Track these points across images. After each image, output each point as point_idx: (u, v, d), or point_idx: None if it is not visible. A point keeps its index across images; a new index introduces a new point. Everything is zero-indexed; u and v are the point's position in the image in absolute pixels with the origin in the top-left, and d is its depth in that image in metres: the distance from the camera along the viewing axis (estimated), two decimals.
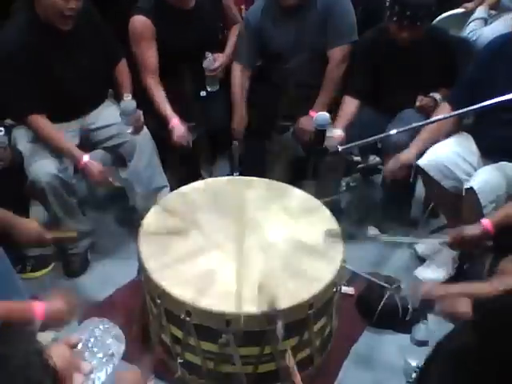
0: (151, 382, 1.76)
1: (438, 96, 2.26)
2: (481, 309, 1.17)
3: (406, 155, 2.12)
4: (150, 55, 2.37)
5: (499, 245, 1.79)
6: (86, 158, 2.09)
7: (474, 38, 2.57)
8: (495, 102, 1.66)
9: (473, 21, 2.69)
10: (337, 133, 2.19)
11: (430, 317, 1.99)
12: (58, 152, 2.09)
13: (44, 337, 1.84)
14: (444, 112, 2.06)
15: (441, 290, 1.59)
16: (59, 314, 1.38)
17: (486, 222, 1.71)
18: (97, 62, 2.20)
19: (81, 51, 2.14)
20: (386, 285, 1.92)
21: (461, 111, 1.81)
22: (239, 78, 2.50)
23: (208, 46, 2.43)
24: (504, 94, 1.66)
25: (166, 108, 2.37)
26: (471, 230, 1.73)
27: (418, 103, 2.27)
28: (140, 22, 2.33)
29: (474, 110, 1.75)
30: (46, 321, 1.35)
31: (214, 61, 2.42)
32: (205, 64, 2.41)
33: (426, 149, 2.11)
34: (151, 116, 2.33)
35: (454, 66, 2.27)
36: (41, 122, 2.06)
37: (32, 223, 1.73)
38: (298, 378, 1.23)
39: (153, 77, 2.39)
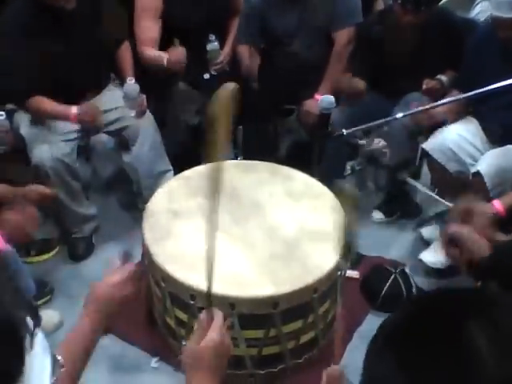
0: (155, 359, 1.79)
1: (444, 78, 2.23)
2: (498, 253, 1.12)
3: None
4: (151, 30, 2.33)
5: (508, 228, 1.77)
6: (74, 109, 2.07)
7: (482, 19, 2.53)
8: (493, 88, 1.66)
9: (480, 2, 2.65)
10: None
11: None
12: (53, 118, 2.08)
13: (49, 319, 1.86)
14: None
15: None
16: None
17: (497, 204, 1.69)
18: (98, 44, 2.17)
19: (81, 33, 2.10)
20: (390, 268, 1.92)
21: (460, 96, 1.81)
22: (247, 57, 2.47)
23: (214, 26, 2.39)
24: (495, 78, 1.66)
25: (160, 53, 2.29)
26: (483, 209, 1.70)
27: (424, 86, 2.24)
28: None
29: (470, 96, 1.74)
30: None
31: (217, 44, 2.39)
32: (209, 47, 2.38)
33: None
34: (154, 99, 2.32)
35: (461, 47, 2.23)
36: (37, 100, 2.05)
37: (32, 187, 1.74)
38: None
39: (150, 48, 2.33)
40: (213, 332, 0.92)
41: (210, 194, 0.83)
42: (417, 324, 0.61)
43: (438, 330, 0.59)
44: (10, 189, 1.67)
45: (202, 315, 0.95)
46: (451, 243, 1.16)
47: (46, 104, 2.07)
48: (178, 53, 2.27)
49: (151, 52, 2.32)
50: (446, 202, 2.10)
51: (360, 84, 2.30)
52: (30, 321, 0.64)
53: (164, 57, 2.28)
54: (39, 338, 0.65)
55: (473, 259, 1.12)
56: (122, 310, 1.08)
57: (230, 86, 0.84)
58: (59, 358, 0.76)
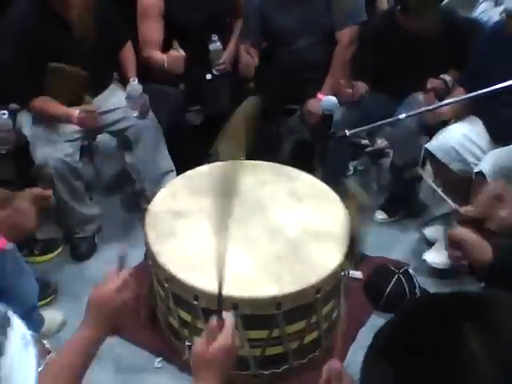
0: (159, 359, 1.78)
1: (448, 78, 2.22)
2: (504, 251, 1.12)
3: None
4: (154, 31, 2.32)
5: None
6: (76, 112, 2.09)
7: (485, 19, 2.52)
8: (500, 87, 1.65)
9: (483, 1, 2.64)
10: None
11: None
12: (57, 121, 2.08)
13: (52, 318, 1.86)
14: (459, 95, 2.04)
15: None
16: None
17: None
18: (101, 46, 2.17)
19: (84, 34, 2.10)
20: (393, 269, 1.91)
21: (467, 96, 1.80)
22: (246, 56, 2.46)
23: (217, 26, 2.39)
24: (504, 77, 1.65)
25: (161, 55, 2.30)
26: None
27: (428, 85, 2.23)
28: None
29: (477, 95, 1.73)
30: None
31: (220, 44, 2.39)
32: (211, 47, 2.38)
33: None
34: (157, 99, 2.31)
35: (464, 47, 2.23)
36: (41, 101, 2.05)
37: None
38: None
39: (153, 49, 2.33)
40: (225, 335, 0.92)
41: (221, 194, 0.82)
42: (411, 329, 0.60)
43: (433, 334, 0.58)
44: (7, 192, 1.65)
45: (213, 319, 0.95)
46: (454, 246, 1.16)
47: (49, 106, 2.08)
48: (176, 56, 2.27)
49: (153, 54, 2.32)
50: (452, 203, 2.10)
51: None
52: None
53: (164, 60, 2.28)
54: (15, 336, 0.62)
55: (475, 262, 1.11)
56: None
57: (254, 100, 0.87)
58: (45, 342, 0.74)
